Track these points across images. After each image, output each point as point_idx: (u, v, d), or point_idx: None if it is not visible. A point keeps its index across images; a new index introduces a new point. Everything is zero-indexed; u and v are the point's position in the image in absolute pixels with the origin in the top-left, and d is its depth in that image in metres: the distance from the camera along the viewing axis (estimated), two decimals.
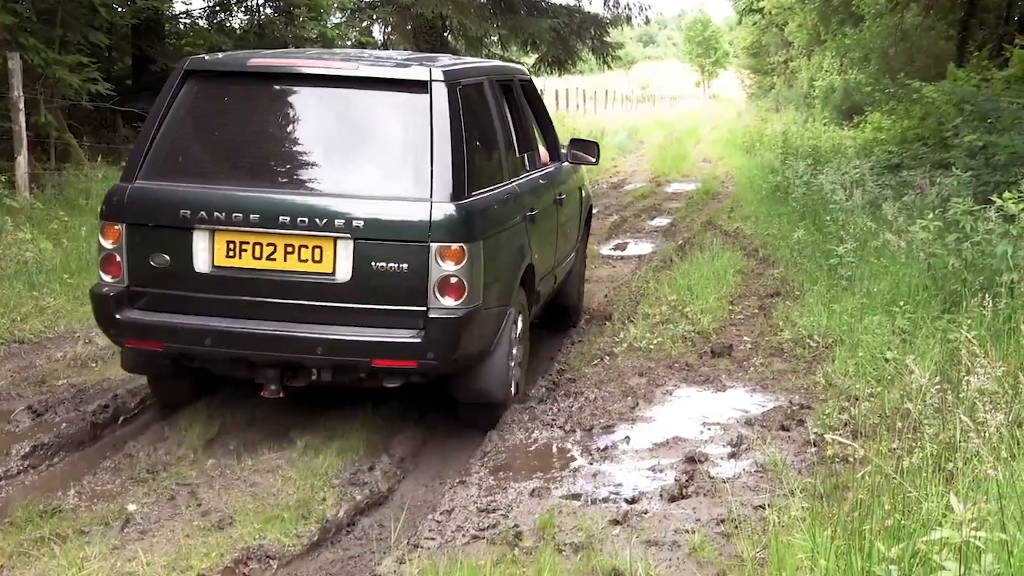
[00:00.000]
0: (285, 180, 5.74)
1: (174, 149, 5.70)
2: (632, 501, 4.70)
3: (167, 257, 5.42)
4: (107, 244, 5.50)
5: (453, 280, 5.27)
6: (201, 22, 20.07)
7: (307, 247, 5.31)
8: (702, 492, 4.71)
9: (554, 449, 5.50)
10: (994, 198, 7.10)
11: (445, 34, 23.88)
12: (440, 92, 5.57)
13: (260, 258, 5.37)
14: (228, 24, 19.86)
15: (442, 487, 5.06)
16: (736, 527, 4.20)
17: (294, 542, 4.40)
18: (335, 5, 21.22)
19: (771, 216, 13.30)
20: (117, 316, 5.45)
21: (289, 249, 5.33)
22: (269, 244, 5.35)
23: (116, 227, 5.48)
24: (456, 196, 5.40)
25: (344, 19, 22.70)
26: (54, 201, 10.94)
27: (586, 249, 9.32)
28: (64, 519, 4.60)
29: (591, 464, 5.21)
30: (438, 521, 4.51)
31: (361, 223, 5.28)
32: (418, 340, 5.25)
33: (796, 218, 12.11)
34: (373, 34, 24.23)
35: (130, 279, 5.47)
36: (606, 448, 5.41)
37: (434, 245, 5.24)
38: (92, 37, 13.08)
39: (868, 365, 6.21)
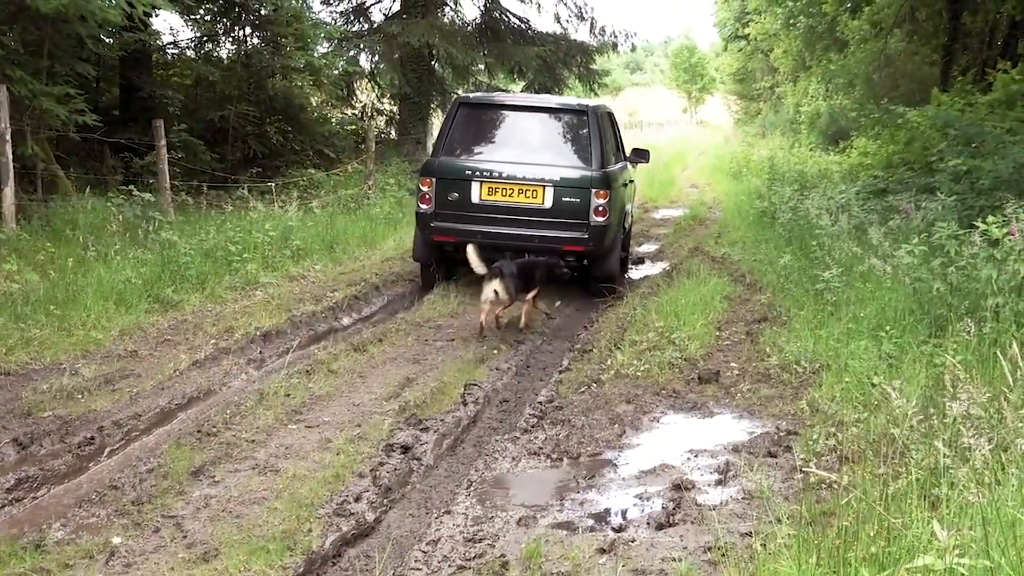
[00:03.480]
0: (515, 157, 10.70)
1: (456, 141, 10.92)
2: (619, 529, 4.69)
3: (456, 194, 10.50)
4: (424, 188, 10.60)
5: (600, 208, 10.35)
6: (188, 52, 20.12)
7: (529, 190, 10.41)
8: (689, 519, 4.70)
9: (541, 477, 5.48)
10: (978, 222, 7.12)
11: (432, 62, 23.97)
12: (592, 115, 10.89)
13: (505, 196, 10.45)
14: (215, 54, 19.89)
15: (429, 516, 5.03)
16: (723, 555, 4.19)
17: (279, 574, 4.37)
18: (322, 35, 21.26)
19: (758, 241, 13.35)
20: (431, 224, 10.56)
21: (520, 191, 10.42)
22: (509, 189, 10.44)
23: (430, 179, 10.60)
24: (600, 167, 10.58)
25: (331, 48, 22.76)
26: (40, 232, 10.91)
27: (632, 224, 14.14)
28: (48, 553, 4.56)
29: (578, 492, 5.20)
30: (424, 551, 4.50)
31: (557, 178, 10.42)
32: (585, 235, 10.36)
33: (783, 243, 12.15)
34: (360, 63, 24.30)
35: (436, 206, 10.55)
36: (593, 476, 5.41)
37: (592, 189, 10.35)
38: (79, 68, 13.07)
39: (855, 390, 6.22)
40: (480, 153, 10.90)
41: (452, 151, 10.79)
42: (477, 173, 10.44)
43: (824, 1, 26.82)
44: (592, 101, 11.68)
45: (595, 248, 10.40)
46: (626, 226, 12.05)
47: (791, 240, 12.04)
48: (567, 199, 10.31)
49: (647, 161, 13.07)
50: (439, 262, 10.98)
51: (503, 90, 24.62)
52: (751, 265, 11.79)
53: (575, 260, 10.52)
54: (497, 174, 10.40)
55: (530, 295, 9.44)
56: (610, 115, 12.33)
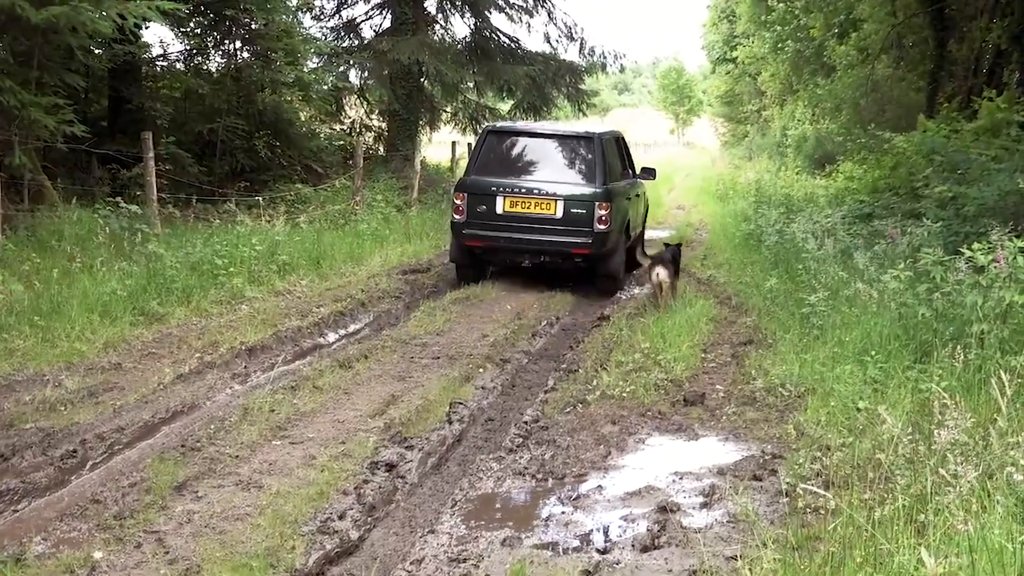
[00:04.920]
0: (533, 176, 12.72)
1: (485, 163, 12.81)
2: (604, 551, 4.68)
3: (484, 207, 12.33)
4: (458, 201, 12.48)
5: (603, 217, 12.05)
6: (178, 65, 20.09)
7: (543, 203, 12.21)
8: (674, 542, 4.69)
9: (526, 498, 5.47)
10: (964, 249, 7.15)
11: (422, 79, 24.00)
12: (597, 140, 12.76)
13: (524, 208, 12.24)
14: (205, 67, 19.88)
15: (413, 535, 5.01)
16: None
17: None
18: (312, 50, 21.27)
19: (744, 264, 13.38)
20: (464, 231, 12.45)
21: (536, 204, 12.23)
22: (527, 202, 12.24)
23: (462, 194, 12.50)
24: (603, 184, 12.35)
25: (321, 63, 22.77)
26: (26, 242, 10.86)
27: (645, 229, 16.49)
28: (29, 567, 4.52)
29: (563, 513, 5.19)
30: (408, 571, 4.48)
31: (566, 193, 12.23)
32: (590, 240, 12.09)
33: (769, 266, 12.18)
34: (350, 79, 24.32)
35: (468, 216, 12.39)
36: (578, 497, 5.40)
37: (596, 202, 12.10)
38: (69, 79, 13.03)
39: (840, 415, 6.23)
40: (504, 172, 12.72)
41: (481, 171, 12.76)
42: (501, 188, 12.33)
43: (812, 26, 27.08)
44: (599, 128, 13.60)
45: (598, 251, 12.24)
46: (631, 233, 13.84)
47: (777, 263, 12.08)
48: (575, 210, 12.14)
49: (654, 178, 15.40)
50: (470, 263, 12.97)
51: (495, 110, 25.99)
52: (737, 287, 11.82)
53: (582, 261, 12.46)
54: (517, 189, 12.33)
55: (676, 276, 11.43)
56: (618, 140, 14.44)
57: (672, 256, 11.22)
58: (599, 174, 12.46)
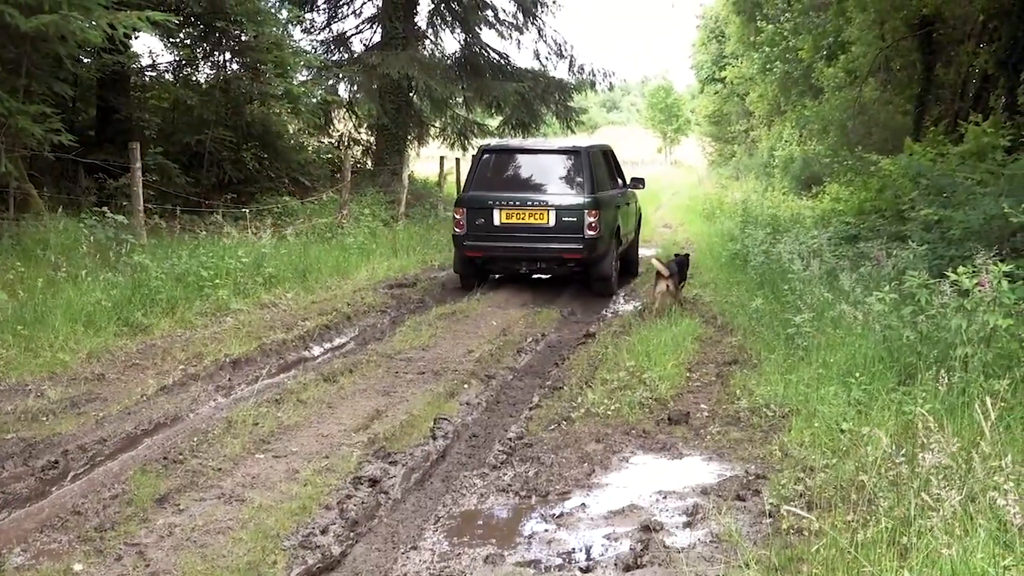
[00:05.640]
0: (527, 189, 13.67)
1: (481, 179, 13.74)
2: (587, 570, 4.66)
3: (483, 219, 13.22)
4: (457, 216, 13.40)
5: (592, 223, 13.01)
6: (167, 75, 20.09)
7: (537, 213, 13.15)
8: (657, 562, 4.68)
9: (509, 515, 5.46)
10: (949, 272, 7.17)
11: (411, 94, 24.03)
12: (585, 154, 13.72)
13: (519, 218, 13.17)
14: (194, 78, 19.87)
15: (395, 551, 4.99)
16: None
17: None
18: (302, 63, 21.28)
19: (730, 284, 13.41)
20: (464, 243, 13.36)
21: (530, 214, 13.16)
22: (522, 213, 13.17)
23: (461, 209, 13.40)
24: (591, 193, 13.28)
25: (310, 76, 22.78)
26: (11, 251, 10.83)
27: (639, 235, 17.83)
28: None
29: (546, 531, 5.17)
30: None
31: (558, 203, 13.19)
32: (581, 247, 13.06)
33: (754, 286, 12.20)
34: (339, 92, 24.34)
35: (467, 229, 13.30)
36: (561, 515, 5.39)
37: (585, 211, 13.05)
38: (57, 88, 13.02)
39: (824, 436, 6.23)
40: (499, 187, 13.72)
41: (478, 186, 13.72)
42: (497, 202, 13.31)
43: (800, 48, 27.19)
44: (586, 143, 14.88)
45: (589, 255, 13.29)
46: (623, 239, 14.96)
47: (763, 283, 12.09)
48: (566, 218, 13.15)
49: (643, 187, 16.50)
50: (472, 272, 14.08)
51: (484, 126, 26.90)
52: (723, 307, 11.83)
53: (575, 265, 13.52)
54: (512, 202, 13.31)
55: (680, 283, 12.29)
56: (605, 152, 15.59)
57: (679, 265, 12.20)
58: (587, 185, 13.44)
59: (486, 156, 14.13)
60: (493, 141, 15.76)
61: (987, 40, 19.05)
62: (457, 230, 13.49)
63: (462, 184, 22.29)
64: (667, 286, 11.59)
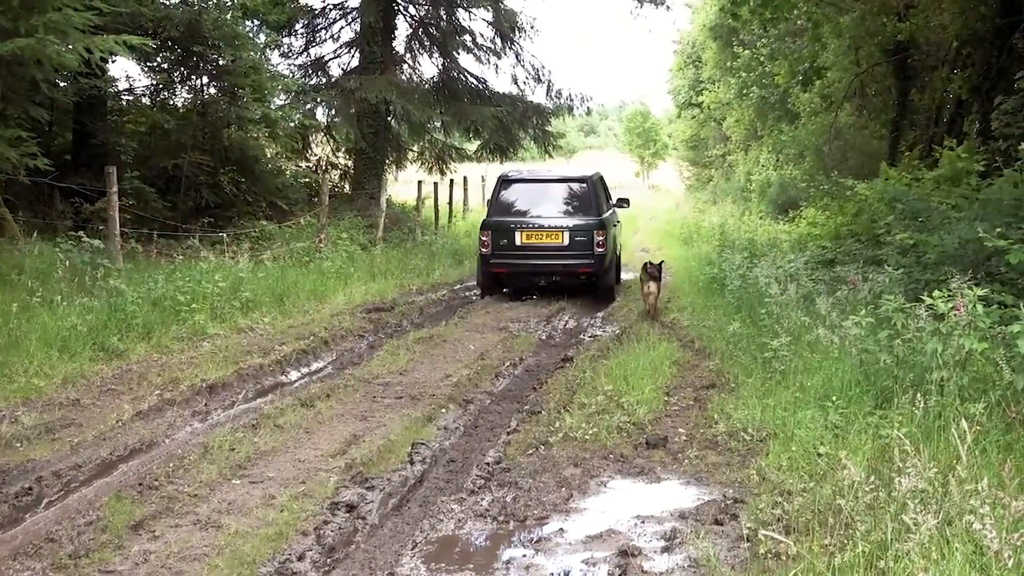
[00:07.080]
0: (542, 212, 15.89)
1: (502, 206, 16.04)
2: None
3: (506, 240, 15.43)
4: (484, 238, 15.57)
5: (600, 241, 15.31)
6: (144, 99, 20.04)
7: (553, 234, 15.45)
8: None
9: (487, 540, 5.44)
10: (924, 296, 7.21)
11: (389, 118, 24.07)
12: (591, 182, 16.26)
13: (537, 239, 15.44)
14: (171, 102, 19.84)
15: None
16: None
17: None
18: (279, 87, 21.28)
19: (707, 308, 13.43)
20: (491, 261, 15.56)
21: (547, 235, 15.46)
22: (540, 234, 15.47)
23: (487, 231, 15.60)
24: (598, 215, 15.76)
25: (288, 101, 22.77)
26: None
27: (621, 250, 19.67)
28: None
29: (524, 556, 5.16)
30: None
31: (571, 224, 15.56)
32: (592, 261, 15.35)
33: (732, 310, 12.22)
34: (317, 116, 24.34)
35: (492, 248, 15.50)
36: (539, 540, 5.37)
37: (595, 231, 15.38)
38: (33, 112, 12.98)
39: (801, 460, 6.24)
40: (519, 211, 16.02)
41: (500, 212, 16.01)
42: (519, 225, 15.59)
43: (776, 73, 27.33)
44: (589, 171, 17.18)
45: (598, 269, 15.51)
46: (618, 253, 17.83)
47: (740, 307, 12.12)
48: (578, 237, 15.39)
49: (628, 206, 19.23)
50: (494, 285, 16.15)
51: (462, 150, 27.72)
52: (700, 331, 11.85)
53: (586, 278, 15.69)
54: (531, 224, 15.61)
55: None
56: (602, 179, 17.70)
57: (658, 269, 13.80)
58: (595, 208, 15.84)
59: (506, 184, 16.39)
60: (511, 171, 17.37)
61: (961, 66, 19.21)
62: (484, 250, 15.65)
63: (441, 209, 25.60)
64: (656, 287, 13.60)
